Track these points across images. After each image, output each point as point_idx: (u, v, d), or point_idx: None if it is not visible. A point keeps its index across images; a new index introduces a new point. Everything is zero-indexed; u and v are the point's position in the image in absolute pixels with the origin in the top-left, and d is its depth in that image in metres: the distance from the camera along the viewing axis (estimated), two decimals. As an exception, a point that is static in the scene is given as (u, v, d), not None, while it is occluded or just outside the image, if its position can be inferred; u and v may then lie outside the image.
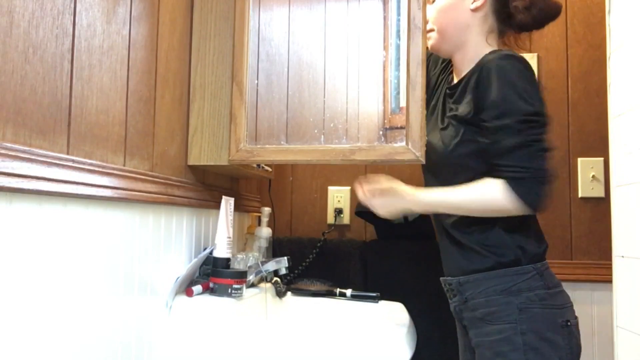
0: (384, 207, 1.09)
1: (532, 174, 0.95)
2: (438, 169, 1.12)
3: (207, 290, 1.07)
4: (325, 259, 1.63)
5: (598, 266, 1.56)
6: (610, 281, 1.07)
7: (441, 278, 1.15)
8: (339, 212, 1.72)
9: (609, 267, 1.07)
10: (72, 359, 0.73)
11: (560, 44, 1.65)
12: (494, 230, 1.03)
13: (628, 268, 0.77)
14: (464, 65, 1.11)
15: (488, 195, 0.99)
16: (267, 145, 1.13)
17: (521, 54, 1.05)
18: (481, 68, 1.02)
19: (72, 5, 0.74)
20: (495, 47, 1.10)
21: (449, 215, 1.09)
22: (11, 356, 0.62)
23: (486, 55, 1.04)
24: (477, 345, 1.06)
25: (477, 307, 1.04)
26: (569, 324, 0.99)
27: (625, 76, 0.77)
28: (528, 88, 0.98)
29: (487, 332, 1.02)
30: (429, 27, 1.14)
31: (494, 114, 0.99)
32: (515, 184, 0.95)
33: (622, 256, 0.79)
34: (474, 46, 1.10)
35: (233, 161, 1.09)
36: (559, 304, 1.01)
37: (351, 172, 1.73)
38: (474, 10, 1.09)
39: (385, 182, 1.10)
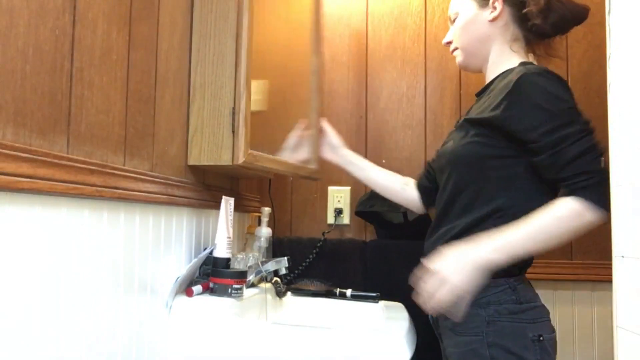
0: (460, 281, 0.95)
1: (598, 179, 0.92)
2: (449, 171, 1.11)
3: (207, 290, 1.07)
4: (325, 259, 1.63)
5: (598, 266, 1.56)
6: (610, 281, 1.07)
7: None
8: (339, 212, 1.72)
9: (609, 267, 1.07)
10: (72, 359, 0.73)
11: (560, 44, 1.65)
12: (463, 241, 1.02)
13: (628, 268, 0.77)
14: (491, 72, 1.13)
15: (565, 213, 0.93)
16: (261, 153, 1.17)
17: (552, 70, 1.05)
18: (517, 79, 1.00)
19: (72, 5, 0.74)
20: (522, 55, 1.11)
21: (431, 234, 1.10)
22: (11, 356, 0.62)
23: (519, 66, 1.05)
24: (448, 355, 1.06)
25: (449, 316, 1.04)
26: (541, 338, 0.96)
27: (625, 76, 0.77)
28: (569, 99, 0.99)
29: (456, 343, 1.03)
30: (452, 46, 1.19)
31: (546, 129, 0.96)
32: (587, 192, 0.92)
33: (622, 256, 0.79)
34: (499, 55, 1.11)
35: (245, 163, 1.11)
36: (530, 318, 0.98)
37: (351, 172, 1.74)
38: (492, 20, 1.11)
39: (439, 271, 0.97)
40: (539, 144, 0.96)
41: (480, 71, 1.18)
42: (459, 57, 1.18)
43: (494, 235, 0.97)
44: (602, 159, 0.94)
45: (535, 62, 1.13)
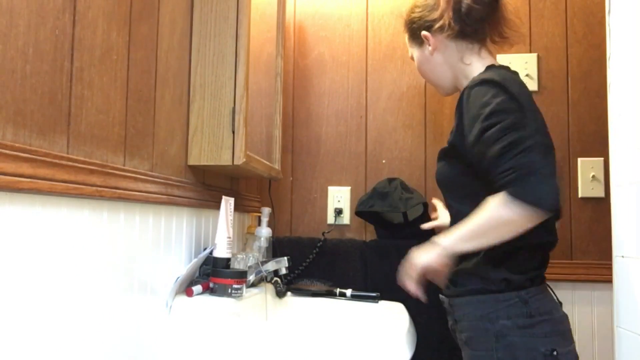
0: (423, 258, 1.01)
1: (521, 172, 0.89)
2: (443, 192, 1.16)
3: (207, 290, 1.07)
4: (325, 259, 1.63)
5: (598, 266, 1.56)
6: (610, 281, 1.07)
7: (440, 295, 1.14)
8: (339, 212, 1.72)
9: (609, 267, 1.07)
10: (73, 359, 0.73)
11: (560, 44, 1.65)
12: (478, 262, 1.02)
13: (628, 268, 0.77)
14: (462, 89, 1.15)
15: (494, 212, 0.92)
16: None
17: (504, 65, 1.09)
18: (459, 98, 1.06)
19: (72, 5, 0.74)
20: (478, 62, 1.13)
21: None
22: (11, 357, 0.62)
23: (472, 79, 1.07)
24: None
25: (462, 330, 1.04)
26: (555, 353, 0.94)
27: (625, 76, 0.77)
28: (497, 100, 0.96)
29: (470, 357, 1.02)
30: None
31: (474, 139, 0.97)
32: (512, 189, 0.89)
33: (622, 256, 0.79)
34: (460, 73, 1.16)
35: (245, 163, 1.11)
36: (542, 332, 0.96)
37: (351, 172, 1.74)
38: (432, 53, 1.17)
39: (417, 261, 1.01)
40: (474, 156, 0.99)
41: (457, 92, 1.22)
42: (438, 91, 1.26)
43: (446, 234, 1.00)
44: (537, 151, 0.90)
45: (492, 59, 1.15)
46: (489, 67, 1.09)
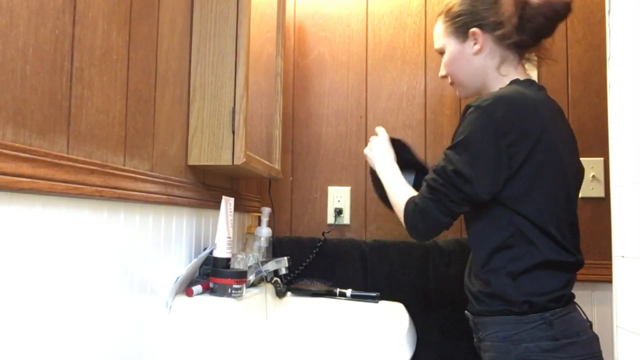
0: (370, 156, 1.30)
1: (426, 195, 1.04)
2: None
3: (207, 290, 1.07)
4: (325, 259, 1.63)
5: (598, 266, 1.56)
6: (610, 281, 1.07)
7: (466, 311, 1.13)
8: (339, 212, 1.72)
9: (609, 267, 1.07)
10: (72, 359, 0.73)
11: (560, 44, 1.65)
12: (499, 281, 1.00)
13: (628, 268, 0.77)
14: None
15: (402, 201, 1.10)
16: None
17: (531, 79, 1.10)
18: (466, 107, 1.06)
19: (72, 5, 0.74)
20: (512, 74, 1.12)
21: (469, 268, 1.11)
22: (11, 357, 0.62)
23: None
24: None
25: (486, 349, 1.03)
26: None
27: (625, 76, 0.77)
28: (476, 130, 0.99)
29: None
30: (449, 80, 1.22)
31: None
32: (413, 204, 1.06)
33: (622, 256, 0.79)
34: (492, 80, 1.13)
35: (245, 163, 1.11)
36: (568, 356, 0.92)
37: (351, 172, 1.74)
38: (477, 53, 1.12)
39: (379, 141, 1.29)
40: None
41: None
42: (458, 91, 1.22)
43: (386, 167, 1.24)
44: (442, 204, 1.02)
45: (525, 74, 1.15)
46: (512, 82, 1.08)
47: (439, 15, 1.20)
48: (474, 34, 1.11)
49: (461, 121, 1.04)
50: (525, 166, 0.98)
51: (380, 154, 1.27)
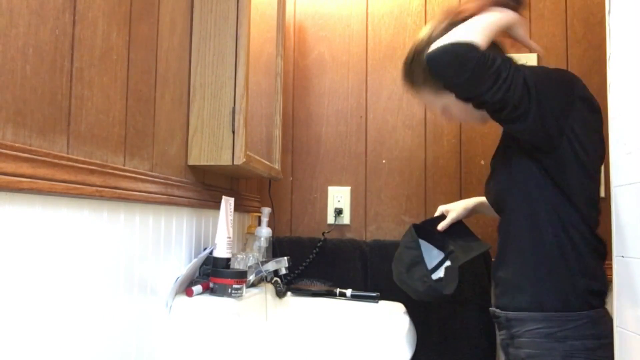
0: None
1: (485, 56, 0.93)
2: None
3: (207, 290, 1.07)
4: (325, 259, 1.63)
5: (598, 266, 1.56)
6: (610, 281, 1.07)
7: (490, 308, 1.11)
8: (339, 212, 1.72)
9: (609, 267, 1.07)
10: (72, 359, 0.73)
11: (560, 44, 1.64)
12: (545, 271, 0.99)
13: (628, 268, 0.77)
14: None
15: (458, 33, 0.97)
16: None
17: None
18: None
19: (72, 5, 0.74)
20: None
21: (497, 257, 1.08)
22: (11, 357, 0.62)
23: None
24: None
25: (522, 346, 1.00)
26: None
27: (625, 76, 0.77)
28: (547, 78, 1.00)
29: None
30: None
31: None
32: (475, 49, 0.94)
33: (622, 256, 0.79)
34: None
35: (245, 163, 1.11)
36: (610, 356, 0.89)
37: (351, 172, 1.74)
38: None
39: None
40: None
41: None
42: (477, 124, 1.22)
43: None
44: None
45: None
46: None
47: (411, 86, 1.16)
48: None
49: None
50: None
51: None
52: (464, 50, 0.94)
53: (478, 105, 1.00)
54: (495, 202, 1.14)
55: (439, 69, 0.97)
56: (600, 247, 1.01)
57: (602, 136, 1.04)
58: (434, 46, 0.97)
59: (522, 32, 1.10)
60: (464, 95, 1.00)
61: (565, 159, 0.99)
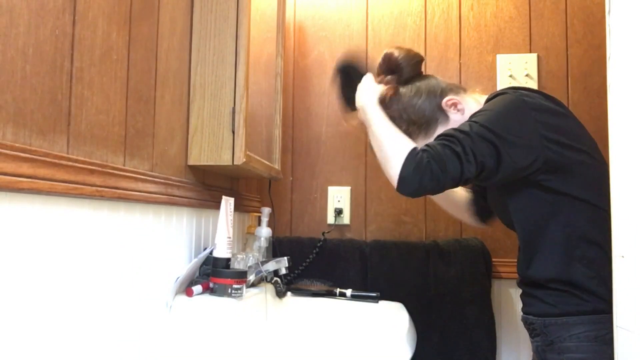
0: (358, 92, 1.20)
1: (432, 153, 0.95)
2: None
3: (207, 290, 1.07)
4: (325, 259, 1.63)
5: (598, 266, 1.56)
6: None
7: (522, 315, 1.09)
8: (339, 212, 1.72)
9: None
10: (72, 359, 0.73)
11: (560, 44, 1.65)
12: (582, 275, 0.97)
13: (628, 268, 0.77)
14: None
15: (398, 145, 1.01)
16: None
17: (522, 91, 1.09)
18: None
19: (72, 5, 0.74)
20: (481, 93, 1.18)
21: (525, 262, 1.06)
22: (11, 356, 0.62)
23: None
24: None
25: (565, 351, 0.98)
26: None
27: (625, 76, 0.76)
28: (503, 111, 1.00)
29: None
30: None
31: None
32: (417, 154, 0.96)
33: (622, 256, 0.79)
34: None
35: (245, 163, 1.12)
36: None
37: (351, 172, 1.74)
38: (463, 112, 1.14)
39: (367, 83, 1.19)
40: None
41: None
42: None
43: (375, 110, 1.12)
44: (455, 155, 0.95)
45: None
46: (492, 94, 1.11)
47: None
48: (449, 102, 1.14)
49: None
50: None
51: (364, 97, 1.18)
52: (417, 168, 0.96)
53: (465, 183, 1.02)
54: (508, 225, 1.14)
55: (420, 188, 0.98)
56: None
57: (578, 121, 1.07)
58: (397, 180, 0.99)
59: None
60: (452, 187, 1.01)
61: (557, 162, 0.99)
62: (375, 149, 1.08)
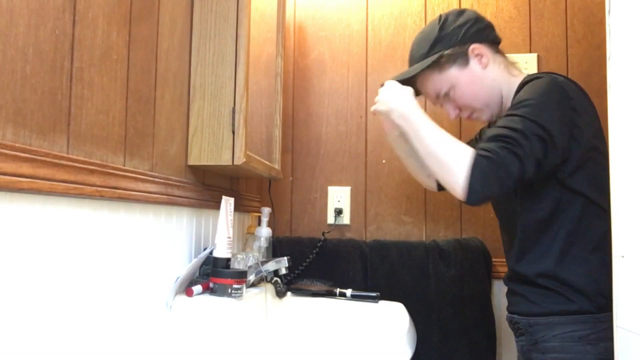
0: (387, 109, 1.09)
1: (491, 157, 0.90)
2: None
3: (207, 290, 1.07)
4: (325, 259, 1.63)
5: (598, 266, 1.56)
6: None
7: (507, 315, 1.10)
8: (339, 212, 1.72)
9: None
10: (72, 359, 0.73)
11: (560, 44, 1.64)
12: (573, 272, 0.97)
13: (628, 268, 0.77)
14: (507, 106, 1.11)
15: (456, 151, 0.94)
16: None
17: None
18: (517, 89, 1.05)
19: (72, 5, 0.74)
20: (519, 73, 1.13)
21: (517, 255, 1.06)
22: (11, 356, 0.62)
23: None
24: None
25: (549, 350, 0.98)
26: None
27: (625, 76, 0.76)
28: (546, 101, 0.96)
29: None
30: (466, 113, 1.15)
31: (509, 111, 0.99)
32: (482, 161, 0.90)
33: (622, 256, 0.79)
34: (509, 87, 1.10)
35: (245, 163, 1.12)
36: None
37: (351, 172, 1.74)
38: (486, 66, 1.10)
39: (391, 88, 1.11)
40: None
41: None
42: (483, 116, 1.15)
43: (417, 111, 1.03)
44: (516, 157, 0.92)
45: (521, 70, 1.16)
46: (530, 76, 1.07)
47: (415, 63, 1.15)
48: (474, 50, 1.09)
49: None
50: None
51: (401, 101, 1.07)
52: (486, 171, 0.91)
53: (528, 181, 0.96)
54: (507, 225, 1.14)
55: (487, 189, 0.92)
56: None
57: (596, 112, 1.06)
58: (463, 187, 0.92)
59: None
60: (514, 188, 0.97)
61: (574, 156, 0.99)
62: (424, 155, 1.00)
